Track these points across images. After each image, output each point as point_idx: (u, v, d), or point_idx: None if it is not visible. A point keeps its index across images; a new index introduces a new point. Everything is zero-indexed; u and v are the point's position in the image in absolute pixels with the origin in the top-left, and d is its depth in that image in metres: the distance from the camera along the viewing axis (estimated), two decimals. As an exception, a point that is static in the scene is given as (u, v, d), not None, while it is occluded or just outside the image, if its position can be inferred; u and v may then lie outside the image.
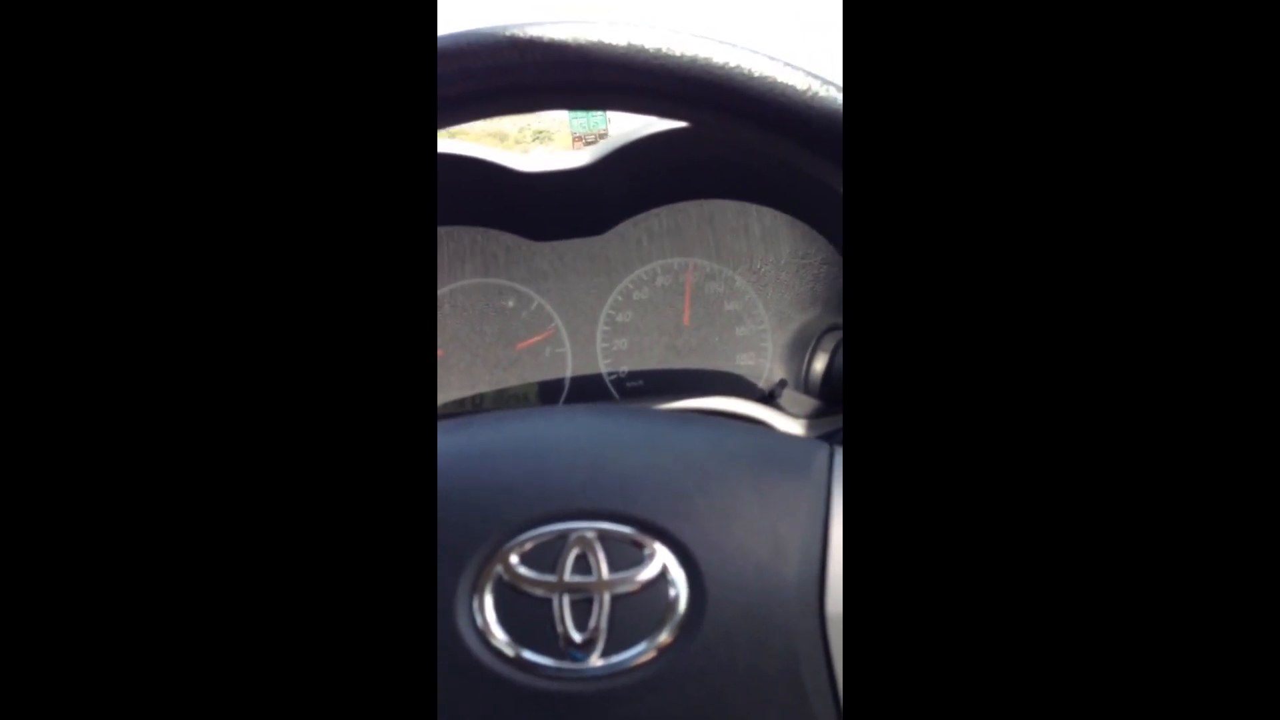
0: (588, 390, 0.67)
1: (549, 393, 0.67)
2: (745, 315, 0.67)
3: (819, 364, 0.64)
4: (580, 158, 0.61)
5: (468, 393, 0.67)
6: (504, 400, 0.67)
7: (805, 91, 0.29)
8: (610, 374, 0.67)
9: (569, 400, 0.67)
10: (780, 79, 0.29)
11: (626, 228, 0.66)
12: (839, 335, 0.64)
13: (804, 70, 0.30)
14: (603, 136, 0.68)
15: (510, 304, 0.67)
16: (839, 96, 0.29)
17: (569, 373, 0.67)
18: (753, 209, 0.66)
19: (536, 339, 0.67)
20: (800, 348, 0.66)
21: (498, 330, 0.66)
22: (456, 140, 0.62)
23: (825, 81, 0.30)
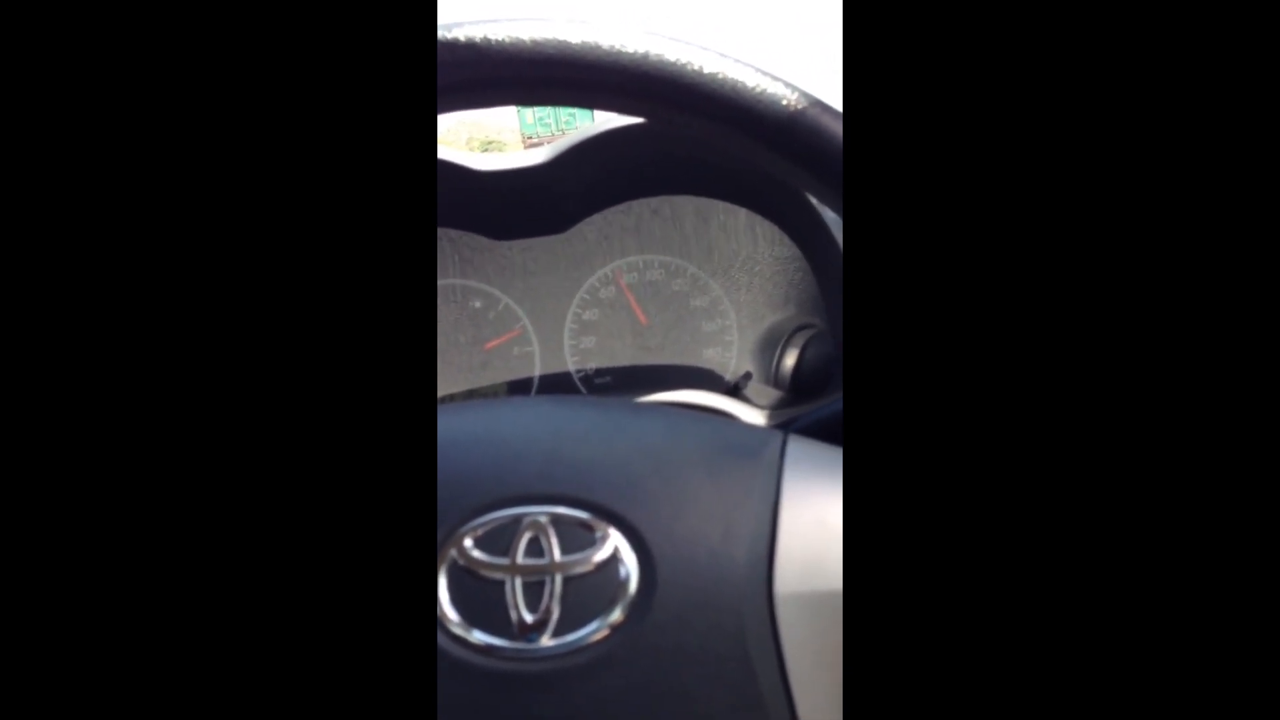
0: (556, 388, 0.67)
1: (518, 392, 0.67)
2: (712, 311, 0.68)
3: (789, 359, 0.65)
4: (536, 156, 0.62)
5: (437, 393, 0.67)
6: (473, 400, 0.67)
7: (754, 87, 0.30)
8: (578, 371, 0.68)
9: None
10: (729, 74, 0.30)
11: (591, 225, 0.67)
12: (811, 332, 0.65)
13: (754, 67, 0.31)
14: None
15: (477, 304, 0.67)
16: (789, 93, 0.30)
17: (537, 371, 0.67)
18: (718, 206, 0.67)
19: (504, 339, 0.67)
20: (770, 345, 0.67)
21: (465, 331, 0.66)
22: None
23: (775, 78, 0.31)
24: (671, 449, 0.29)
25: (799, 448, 0.30)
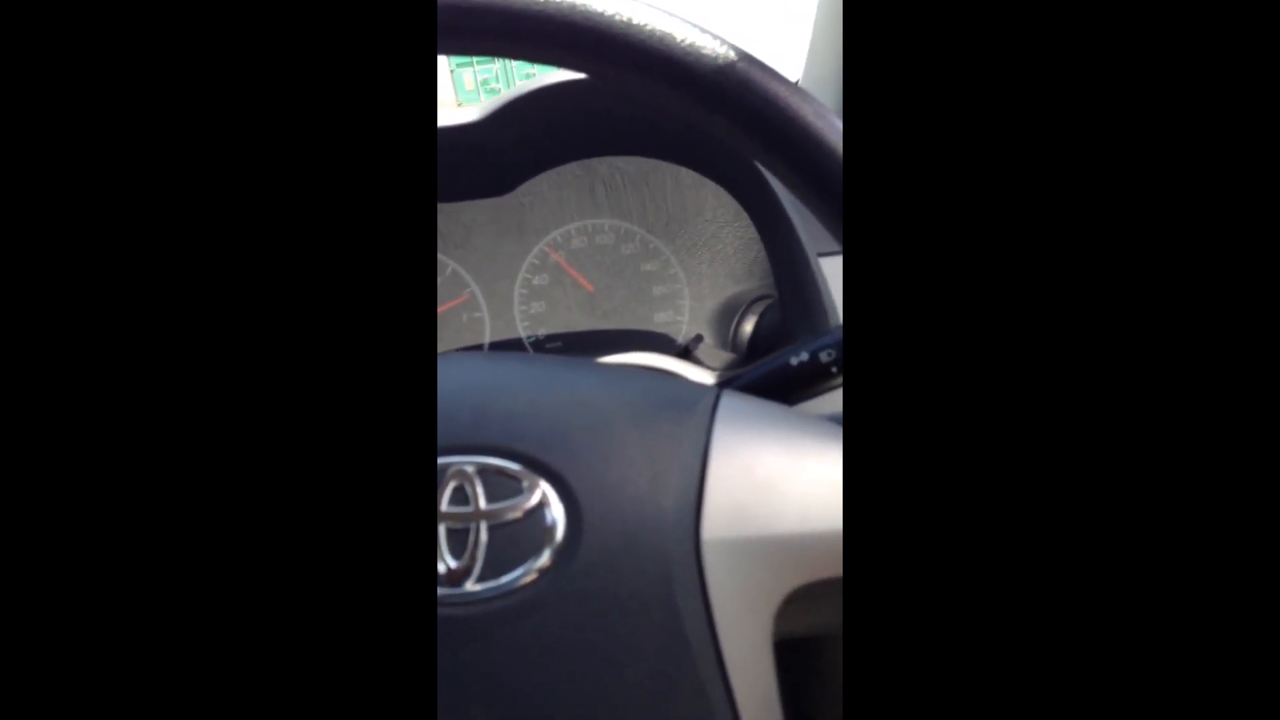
0: None
1: None
2: (662, 275, 0.68)
3: (747, 325, 0.65)
4: (468, 114, 0.60)
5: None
6: None
7: (683, 40, 0.29)
8: (529, 338, 0.67)
9: None
10: (659, 26, 0.29)
11: (537, 187, 0.66)
12: (770, 301, 0.65)
13: (686, 20, 0.30)
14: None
15: None
16: (719, 46, 0.30)
17: (487, 338, 0.67)
18: (667, 168, 0.66)
19: (452, 304, 0.66)
20: (729, 311, 0.67)
21: None
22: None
23: (707, 31, 0.30)
24: (602, 401, 0.29)
25: (733, 401, 0.30)
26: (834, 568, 0.27)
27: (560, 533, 0.26)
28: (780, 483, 0.27)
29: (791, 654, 0.32)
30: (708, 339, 0.67)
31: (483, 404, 0.29)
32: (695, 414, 0.28)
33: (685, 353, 0.62)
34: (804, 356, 0.37)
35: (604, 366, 0.31)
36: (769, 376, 0.41)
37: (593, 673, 0.25)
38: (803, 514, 0.27)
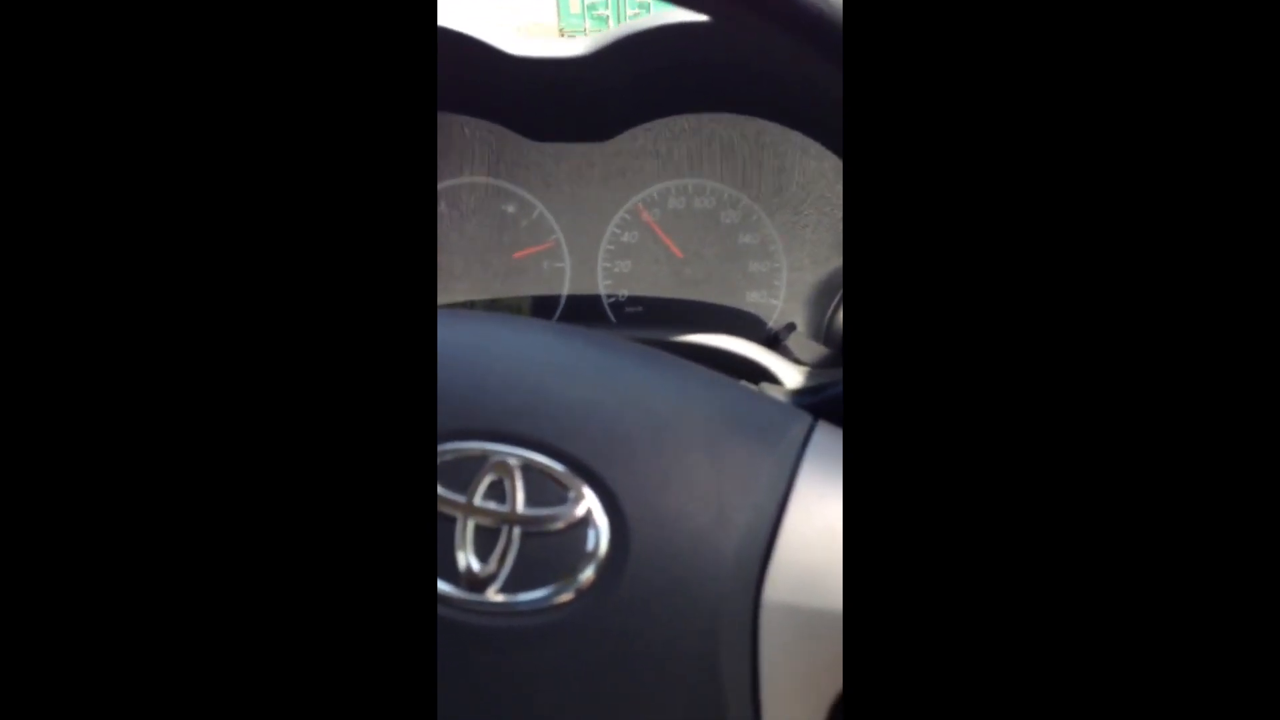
0: (584, 311, 0.63)
1: (543, 309, 0.63)
2: (762, 251, 0.62)
3: (842, 316, 0.60)
4: (575, 46, 0.54)
5: (457, 299, 0.63)
6: (494, 311, 0.63)
7: None
8: (609, 297, 0.63)
9: (563, 320, 0.63)
10: None
11: (638, 136, 0.60)
12: None
13: None
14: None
15: (511, 209, 0.62)
16: None
17: (566, 290, 0.63)
18: (790, 136, 0.60)
19: (534, 250, 0.62)
20: (825, 296, 0.62)
21: (495, 236, 0.62)
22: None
23: None
24: (673, 410, 0.25)
25: (828, 439, 0.25)
26: None
27: (602, 556, 0.23)
28: None
29: None
30: (801, 326, 0.62)
31: (539, 387, 0.25)
32: (781, 446, 0.24)
33: (774, 341, 0.57)
34: None
35: (683, 366, 0.27)
36: None
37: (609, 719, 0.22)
38: None
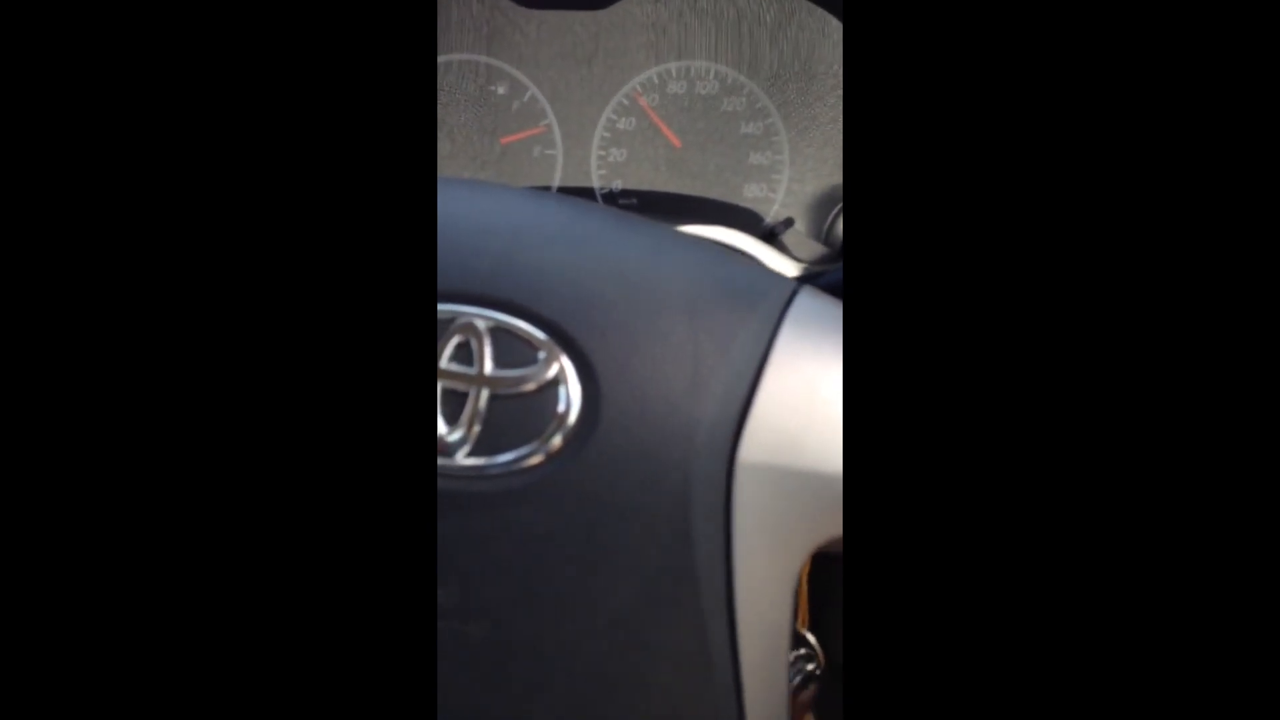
0: None
1: None
2: (763, 141, 0.59)
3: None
4: None
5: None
6: None
7: None
8: (602, 189, 0.60)
9: None
10: None
11: (639, 9, 0.56)
12: None
13: None
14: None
15: (500, 90, 0.58)
16: None
17: (557, 180, 0.60)
18: (812, 16, 0.56)
19: (524, 135, 0.59)
20: (830, 196, 0.59)
21: (482, 118, 0.59)
22: None
23: None
24: (653, 274, 0.24)
25: (811, 302, 0.24)
26: None
27: (573, 419, 0.22)
28: None
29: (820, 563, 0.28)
30: (800, 226, 0.59)
31: (509, 249, 0.24)
32: (761, 310, 0.23)
33: (770, 236, 0.54)
34: None
35: (664, 231, 0.26)
36: None
37: (580, 582, 0.22)
38: None
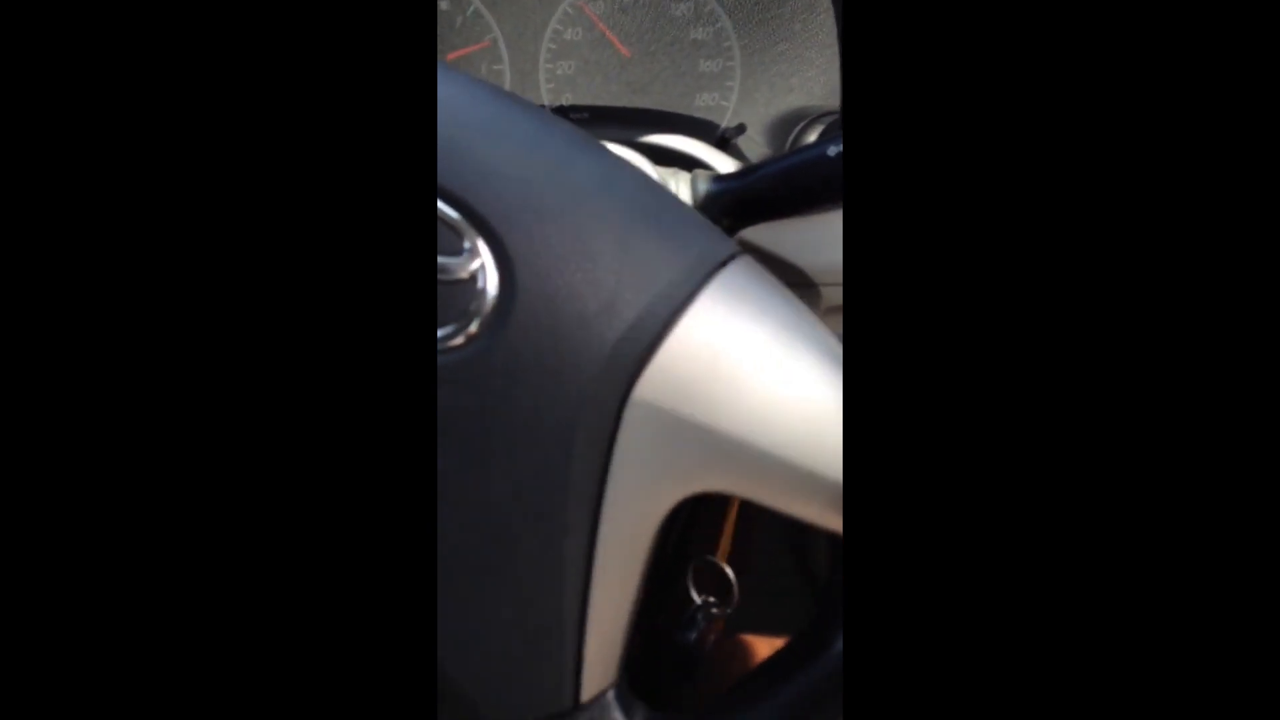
0: None
1: None
2: (714, 48, 0.58)
3: (808, 138, 0.56)
4: None
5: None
6: None
7: None
8: (551, 104, 0.59)
9: None
10: None
11: None
12: (835, 119, 0.56)
13: None
14: None
15: (444, 6, 0.57)
16: None
17: None
18: None
19: (469, 50, 0.58)
20: (785, 127, 0.58)
21: None
22: None
23: None
24: (594, 191, 0.24)
25: (745, 270, 0.24)
26: (756, 491, 0.23)
27: (484, 315, 0.22)
28: (749, 381, 0.22)
29: None
30: (758, 139, 0.58)
31: (453, 136, 0.23)
32: (692, 259, 0.23)
33: (723, 143, 0.54)
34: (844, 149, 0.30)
35: (618, 162, 0.25)
36: (801, 167, 0.35)
37: (461, 470, 0.23)
38: (760, 423, 0.22)
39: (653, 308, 0.23)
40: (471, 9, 0.57)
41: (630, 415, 0.22)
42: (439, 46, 0.57)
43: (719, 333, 0.23)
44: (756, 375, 0.23)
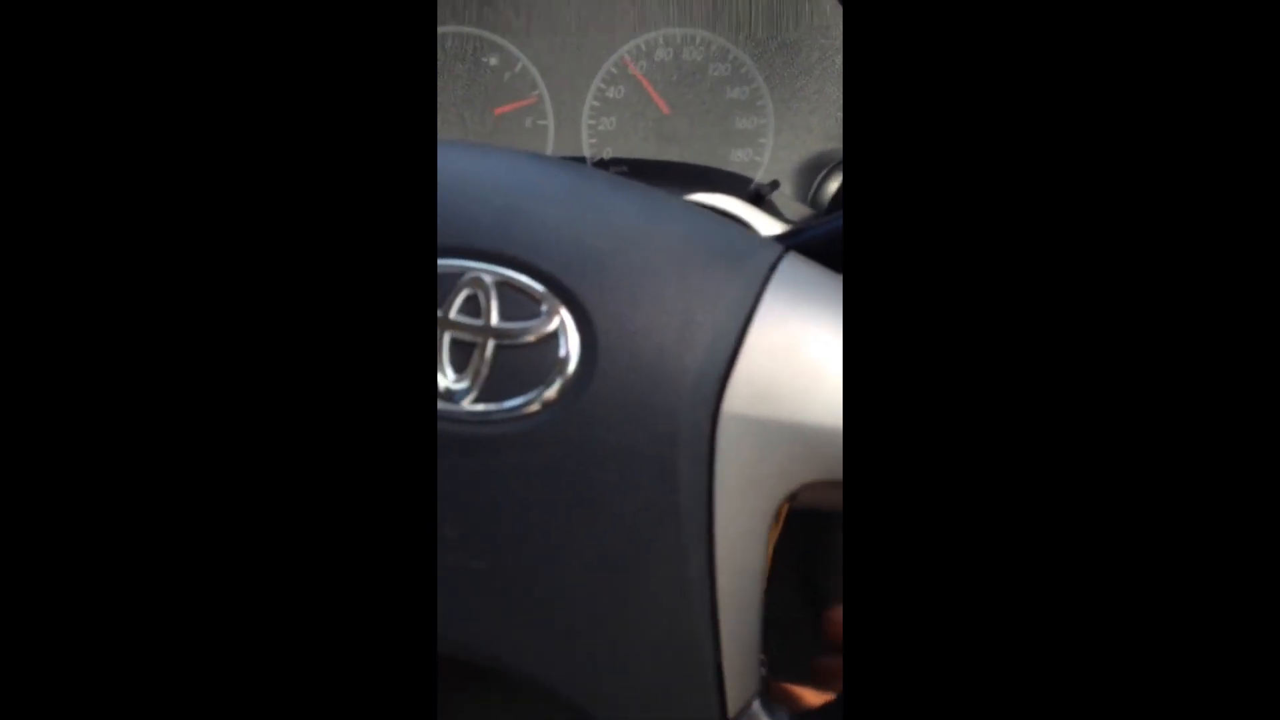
0: None
1: None
2: (749, 106, 0.60)
3: (832, 184, 0.58)
4: None
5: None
6: None
7: None
8: (593, 157, 0.62)
9: None
10: None
11: None
12: None
13: None
14: None
15: (493, 62, 0.60)
16: None
17: (550, 149, 0.61)
18: None
19: (516, 105, 0.60)
20: (814, 170, 0.60)
21: (475, 90, 0.60)
22: None
23: None
24: (646, 234, 0.26)
25: (796, 266, 0.26)
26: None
27: (572, 367, 0.24)
28: (824, 369, 0.24)
29: (803, 522, 0.30)
30: (786, 190, 0.60)
31: (511, 206, 0.25)
32: (747, 271, 0.25)
33: (757, 198, 0.56)
34: None
35: (659, 196, 0.27)
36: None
37: (573, 519, 0.24)
38: (840, 407, 0.24)
39: (723, 324, 0.24)
40: (519, 65, 0.60)
41: (724, 430, 0.24)
42: (488, 100, 0.60)
43: (787, 331, 0.24)
44: (829, 363, 0.24)
